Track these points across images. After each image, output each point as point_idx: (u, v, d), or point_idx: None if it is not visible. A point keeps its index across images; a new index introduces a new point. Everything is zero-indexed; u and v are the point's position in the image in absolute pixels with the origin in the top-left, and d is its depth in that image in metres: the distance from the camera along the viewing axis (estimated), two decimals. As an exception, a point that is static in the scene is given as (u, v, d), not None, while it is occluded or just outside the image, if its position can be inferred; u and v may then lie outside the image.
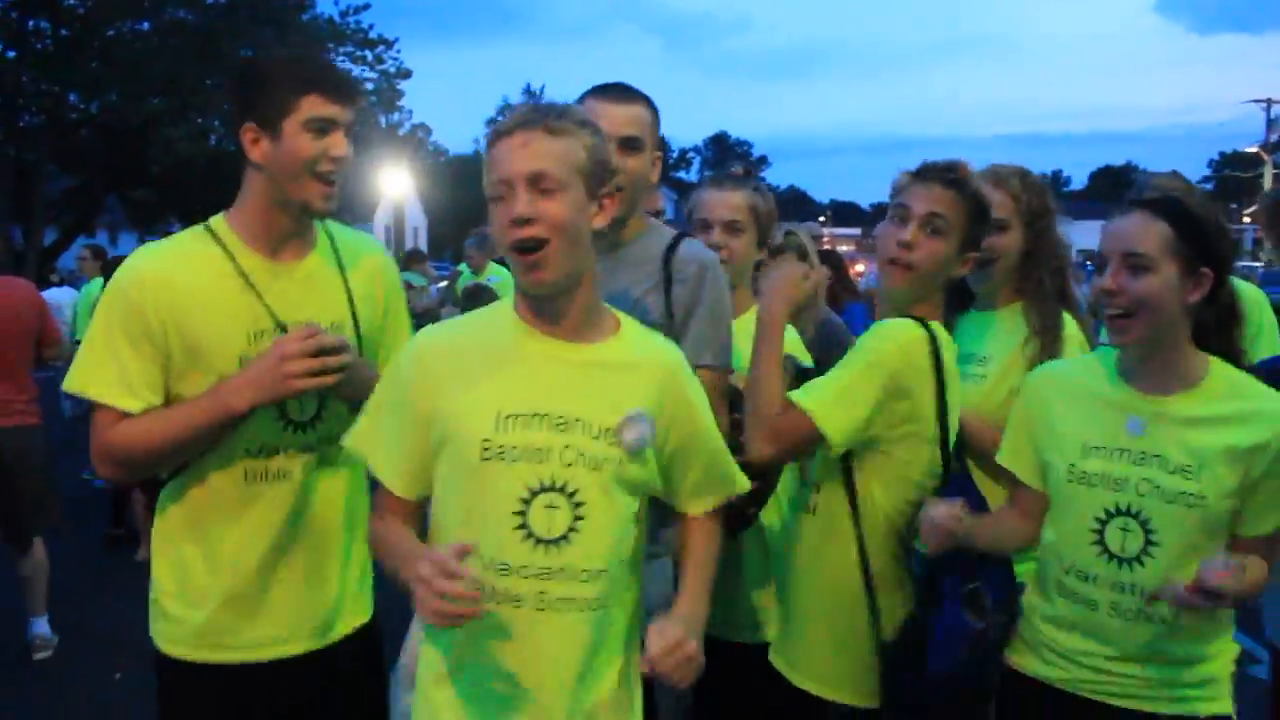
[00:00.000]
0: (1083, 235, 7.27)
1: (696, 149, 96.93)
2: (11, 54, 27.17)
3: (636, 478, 2.01)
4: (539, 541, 1.94)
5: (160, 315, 2.21)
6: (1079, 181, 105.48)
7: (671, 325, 2.59)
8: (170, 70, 26.36)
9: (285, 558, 2.33)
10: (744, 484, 2.20)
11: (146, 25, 27.83)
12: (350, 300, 2.37)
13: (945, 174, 2.40)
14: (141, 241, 29.90)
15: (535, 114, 1.94)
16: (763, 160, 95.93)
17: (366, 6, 29.60)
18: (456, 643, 2.01)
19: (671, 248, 2.66)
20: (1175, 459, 2.16)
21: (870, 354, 2.33)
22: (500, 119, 2.00)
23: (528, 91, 58.99)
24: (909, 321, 2.37)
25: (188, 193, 28.92)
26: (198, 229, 2.34)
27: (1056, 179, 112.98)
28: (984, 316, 2.98)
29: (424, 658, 2.10)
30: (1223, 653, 2.26)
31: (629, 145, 2.60)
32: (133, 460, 2.25)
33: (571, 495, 1.95)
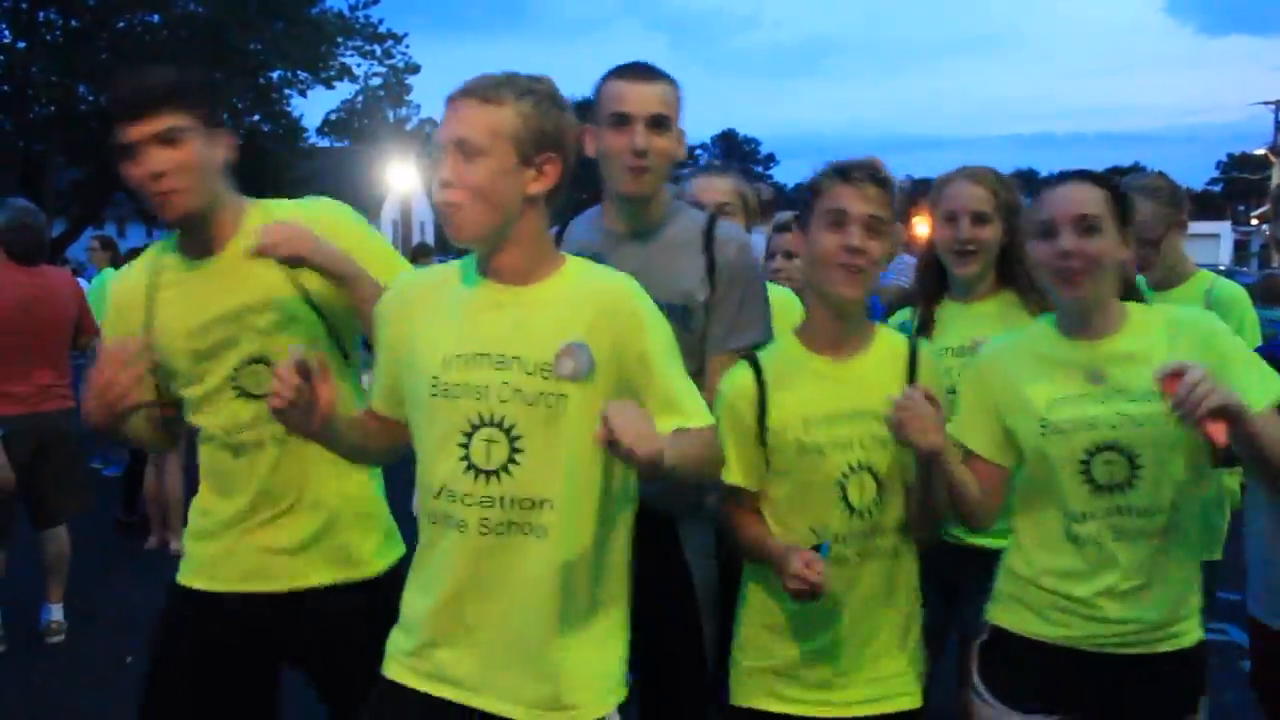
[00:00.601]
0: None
1: (704, 146, 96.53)
2: (22, 45, 27.27)
3: (582, 409, 2.05)
4: (480, 472, 2.08)
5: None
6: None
7: (712, 300, 2.68)
8: (178, 63, 26.36)
9: (253, 514, 2.56)
10: (705, 417, 2.16)
11: (157, 18, 27.89)
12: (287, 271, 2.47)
13: (874, 174, 2.42)
14: (149, 234, 29.84)
15: (476, 83, 2.07)
16: (770, 158, 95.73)
17: (376, 1, 29.72)
18: (422, 560, 2.20)
19: (709, 229, 2.73)
20: (1135, 387, 2.33)
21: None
22: (450, 92, 2.11)
23: (535, 87, 58.76)
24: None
25: (196, 185, 28.99)
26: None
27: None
28: (970, 307, 3.11)
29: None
30: (1197, 577, 2.45)
31: (657, 124, 2.62)
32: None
33: (509, 430, 2.07)
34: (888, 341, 2.54)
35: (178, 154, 2.35)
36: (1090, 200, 2.36)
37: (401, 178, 37.38)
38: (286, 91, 30.16)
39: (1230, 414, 2.04)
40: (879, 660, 2.48)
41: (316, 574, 2.57)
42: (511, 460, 2.07)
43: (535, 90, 2.07)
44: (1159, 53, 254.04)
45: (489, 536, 2.09)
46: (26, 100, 27.40)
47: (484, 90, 2.05)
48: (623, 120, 2.61)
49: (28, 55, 26.89)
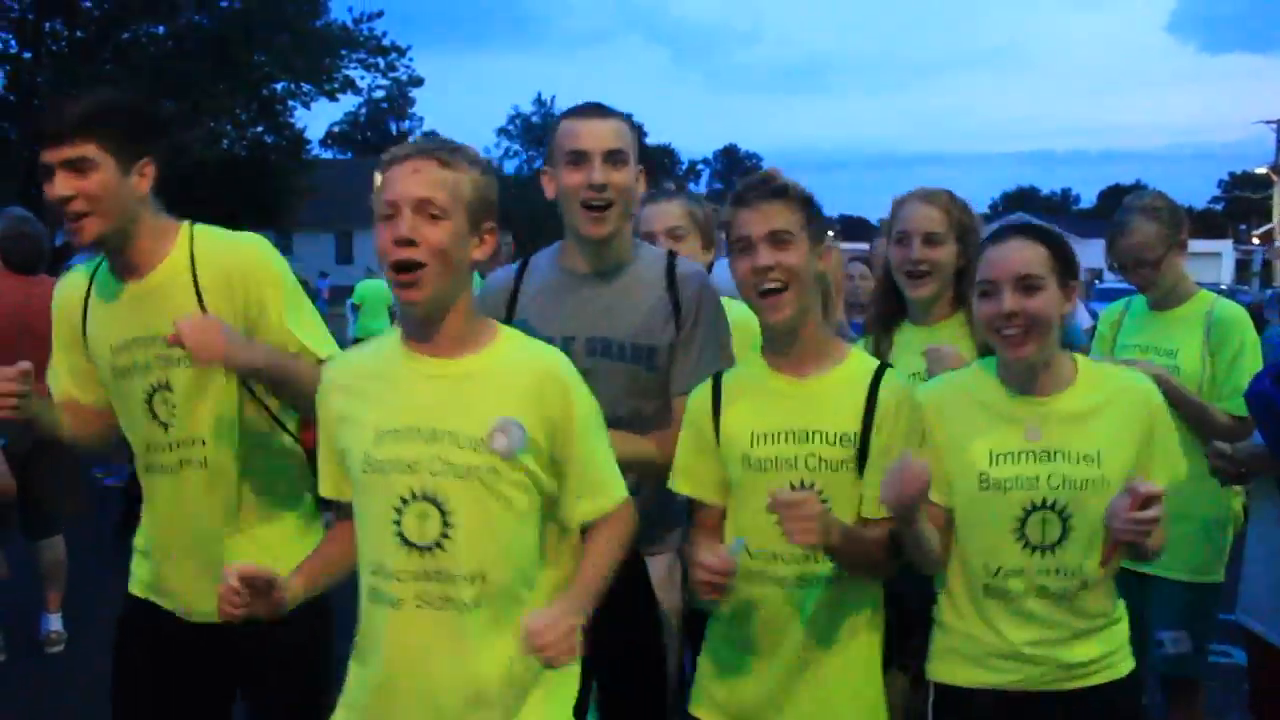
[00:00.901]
0: (1092, 254, 7.38)
1: (706, 161, 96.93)
2: (28, 55, 27.35)
3: (513, 483, 2.09)
4: (414, 547, 2.08)
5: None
6: (1088, 200, 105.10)
7: (677, 340, 2.70)
8: (184, 74, 26.51)
9: (178, 544, 2.61)
10: (620, 493, 2.22)
11: (161, 29, 27.99)
12: (200, 302, 2.50)
13: (769, 189, 2.41)
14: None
15: (431, 146, 2.09)
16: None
17: (379, 14, 29.81)
18: (362, 635, 2.19)
19: (670, 268, 2.75)
20: (1076, 450, 2.38)
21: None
22: (395, 151, 2.12)
23: (538, 101, 59.26)
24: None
25: (199, 196, 29.06)
26: None
27: (1065, 197, 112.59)
28: (927, 330, 3.06)
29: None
30: (1123, 615, 2.52)
31: (614, 158, 2.64)
32: None
33: (441, 504, 2.07)
34: (855, 363, 2.50)
35: (85, 182, 2.38)
36: (1031, 260, 2.36)
37: (404, 190, 37.36)
38: (290, 103, 30.28)
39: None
40: (830, 693, 2.45)
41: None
42: (444, 535, 2.07)
43: (480, 161, 2.13)
44: (1160, 71, 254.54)
45: (425, 610, 2.08)
46: (32, 109, 27.47)
47: (442, 154, 2.07)
48: (579, 157, 2.63)
49: (34, 65, 26.97)
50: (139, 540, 2.71)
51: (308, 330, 2.57)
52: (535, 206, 17.48)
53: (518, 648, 2.04)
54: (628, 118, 2.73)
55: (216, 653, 2.60)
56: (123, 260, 2.53)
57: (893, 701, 2.56)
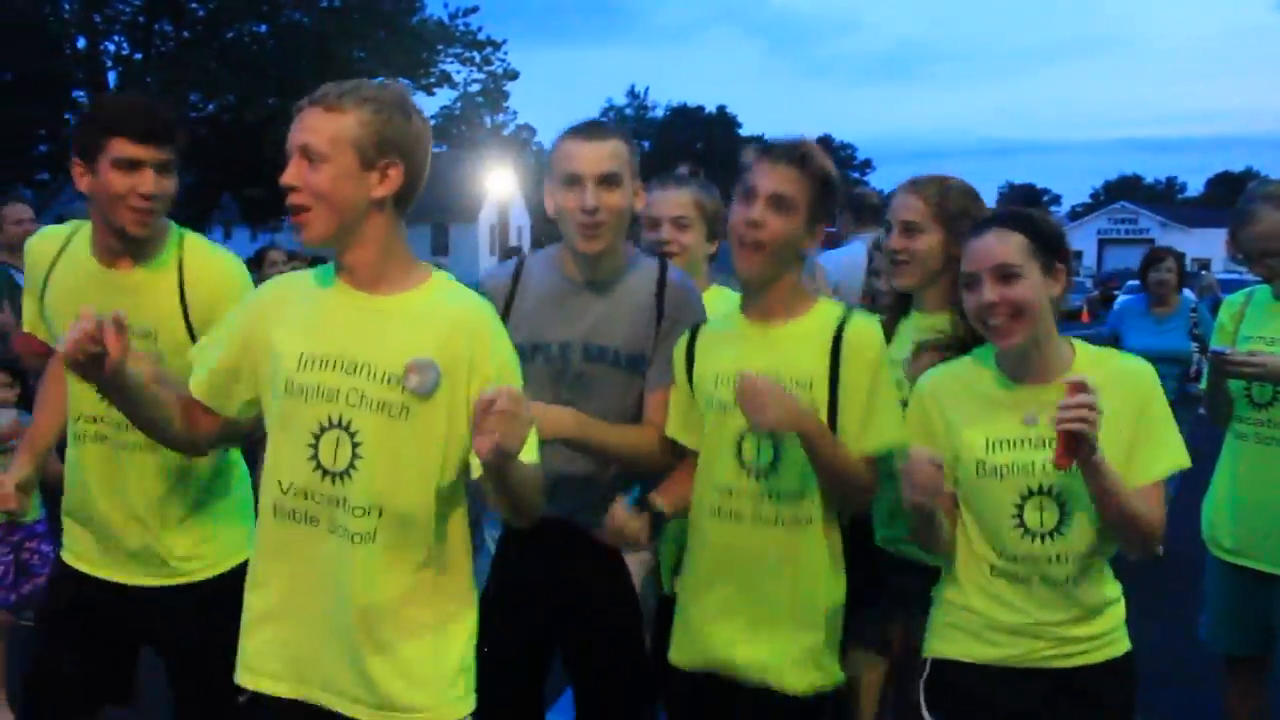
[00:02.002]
0: (1199, 243, 7.15)
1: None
2: (139, 56, 28.24)
3: (425, 422, 2.16)
4: (326, 472, 2.17)
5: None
6: (1195, 188, 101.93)
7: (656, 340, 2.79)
8: (284, 71, 27.11)
9: (110, 510, 2.76)
10: (531, 457, 2.19)
11: (264, 27, 28.66)
12: (184, 306, 2.70)
13: (790, 152, 2.52)
14: (254, 238, 30.56)
15: (321, 91, 2.17)
16: (867, 164, 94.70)
17: (475, 9, 30.13)
18: (262, 554, 2.27)
19: (661, 278, 2.83)
20: None
21: None
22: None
23: (631, 93, 59.45)
24: None
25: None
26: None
27: (1170, 186, 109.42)
28: (924, 318, 3.04)
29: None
30: (1120, 596, 2.51)
31: (608, 181, 2.70)
32: None
33: (353, 434, 2.16)
34: (823, 312, 2.60)
35: (166, 183, 2.62)
36: (1008, 249, 2.38)
37: (499, 182, 37.81)
38: (387, 98, 30.71)
39: (1083, 451, 2.19)
40: (776, 630, 2.54)
41: (136, 575, 2.77)
42: (352, 465, 2.16)
43: (378, 99, 2.16)
44: (1272, 54, 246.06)
45: (334, 536, 2.17)
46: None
47: (327, 99, 2.15)
48: (574, 180, 2.70)
49: (143, 65, 27.82)
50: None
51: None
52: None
53: (411, 584, 2.19)
54: (624, 137, 2.79)
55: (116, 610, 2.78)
56: (126, 250, 2.70)
57: (853, 674, 2.66)
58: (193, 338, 2.62)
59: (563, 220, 2.74)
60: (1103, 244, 66.51)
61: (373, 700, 2.19)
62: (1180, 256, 6.84)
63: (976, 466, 2.44)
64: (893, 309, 3.15)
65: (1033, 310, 2.37)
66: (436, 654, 2.24)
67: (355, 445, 2.15)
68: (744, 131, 78.01)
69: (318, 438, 2.17)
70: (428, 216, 41.59)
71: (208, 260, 2.75)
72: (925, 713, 2.54)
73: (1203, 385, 3.76)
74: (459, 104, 36.71)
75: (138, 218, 2.60)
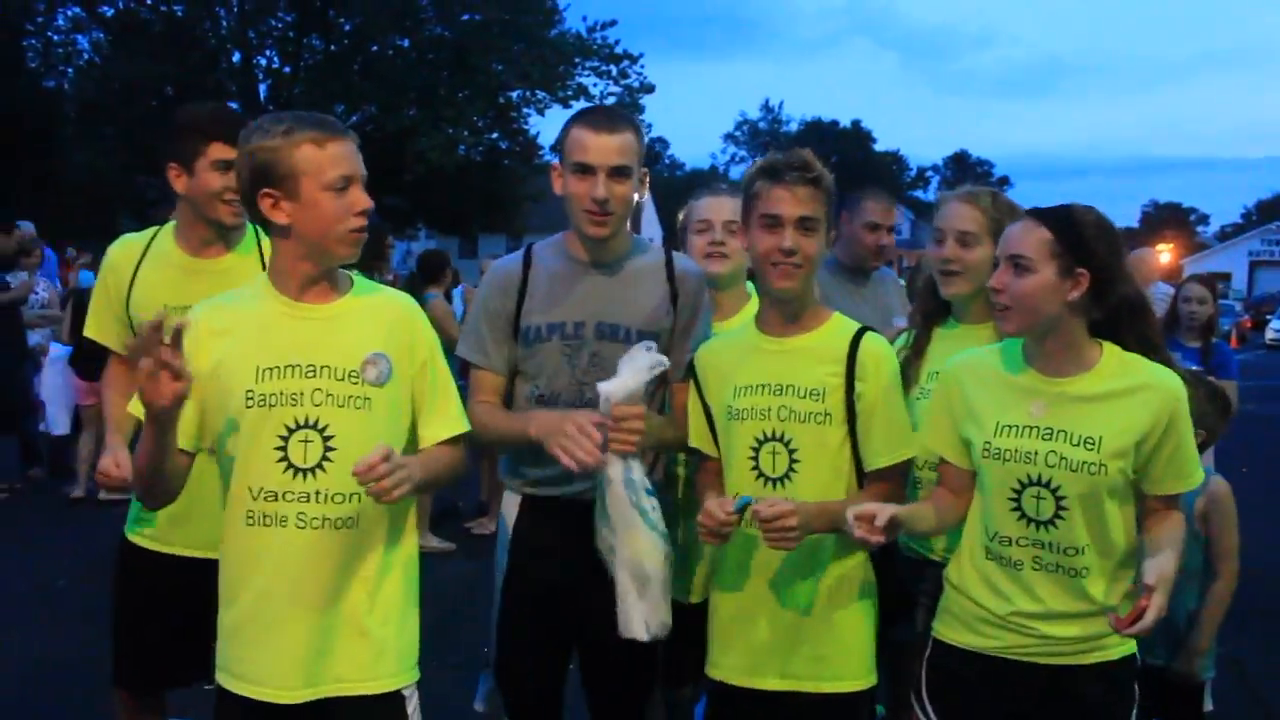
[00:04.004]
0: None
1: (935, 167, 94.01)
2: (288, 70, 29.26)
3: (386, 408, 2.40)
4: (298, 470, 2.34)
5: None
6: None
7: (675, 329, 2.95)
8: (426, 83, 27.75)
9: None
10: (463, 426, 2.55)
11: (406, 42, 29.38)
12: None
13: (805, 174, 2.61)
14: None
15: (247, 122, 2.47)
16: (1004, 180, 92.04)
17: (614, 23, 30.35)
18: (231, 565, 2.42)
19: (669, 261, 2.99)
20: (1077, 433, 2.44)
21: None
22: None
23: (765, 107, 59.34)
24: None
25: (436, 200, 30.36)
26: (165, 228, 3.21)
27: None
28: (964, 330, 3.12)
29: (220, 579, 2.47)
30: (1127, 598, 2.48)
31: (618, 173, 2.81)
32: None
33: (322, 430, 2.34)
34: (837, 326, 2.72)
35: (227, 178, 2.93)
36: (1025, 240, 2.45)
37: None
38: (525, 110, 31.21)
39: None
40: (813, 634, 2.64)
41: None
42: (325, 458, 2.34)
43: (263, 130, 2.39)
44: None
45: (305, 531, 2.34)
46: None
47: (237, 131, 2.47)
48: (585, 170, 2.81)
49: (291, 79, 28.80)
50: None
51: None
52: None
53: (383, 569, 2.41)
54: (636, 126, 2.89)
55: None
56: (212, 239, 3.10)
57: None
58: None
59: (570, 204, 2.86)
60: (1254, 266, 63.85)
61: (356, 675, 2.39)
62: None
63: (984, 447, 2.52)
64: (926, 317, 3.21)
65: (1028, 305, 2.44)
66: (402, 625, 2.47)
67: (326, 440, 2.35)
68: (879, 147, 77.04)
69: (286, 440, 2.34)
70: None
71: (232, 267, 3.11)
72: (924, 697, 2.63)
73: None
74: (594, 117, 36.98)
75: (232, 209, 2.99)
